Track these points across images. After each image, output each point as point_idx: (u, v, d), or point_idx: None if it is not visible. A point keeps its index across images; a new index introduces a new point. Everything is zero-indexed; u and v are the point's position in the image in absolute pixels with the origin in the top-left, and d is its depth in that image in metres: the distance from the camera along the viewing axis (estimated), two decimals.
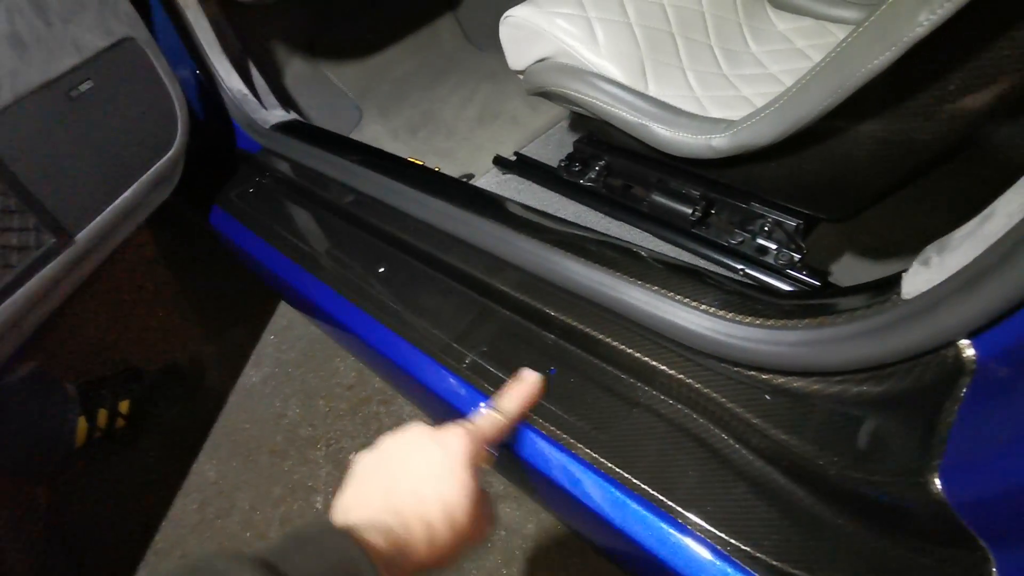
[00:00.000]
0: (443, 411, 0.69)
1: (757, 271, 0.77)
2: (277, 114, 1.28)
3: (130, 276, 1.53)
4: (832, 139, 0.61)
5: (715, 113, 0.81)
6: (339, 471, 1.11)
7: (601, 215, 0.93)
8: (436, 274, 0.80)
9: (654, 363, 0.55)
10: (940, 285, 0.37)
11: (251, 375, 1.35)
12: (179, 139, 1.02)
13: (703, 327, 0.51)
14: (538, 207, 0.98)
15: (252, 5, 1.33)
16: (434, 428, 0.47)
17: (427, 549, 0.41)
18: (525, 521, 1.01)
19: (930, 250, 0.41)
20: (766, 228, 0.77)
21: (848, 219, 0.69)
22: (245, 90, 1.26)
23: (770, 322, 0.48)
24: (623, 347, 0.57)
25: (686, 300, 0.53)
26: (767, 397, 0.47)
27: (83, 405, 1.16)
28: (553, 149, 1.16)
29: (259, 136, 1.24)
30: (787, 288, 0.75)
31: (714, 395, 0.50)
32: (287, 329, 1.44)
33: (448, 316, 0.73)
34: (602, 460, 0.51)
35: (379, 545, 0.38)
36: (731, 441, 0.47)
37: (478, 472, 0.45)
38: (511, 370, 0.64)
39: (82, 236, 0.77)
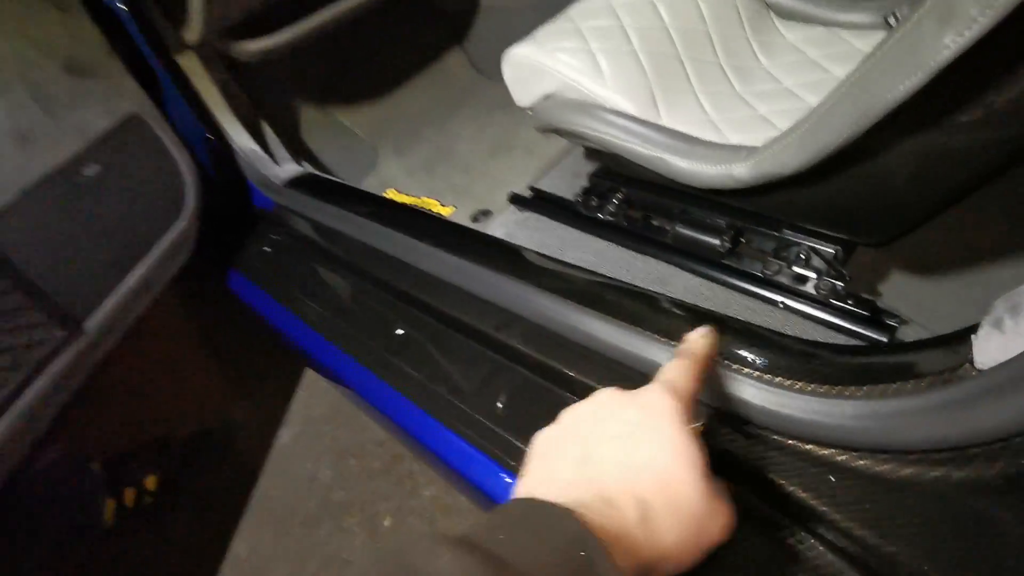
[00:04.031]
0: (465, 486, 0.67)
1: (798, 303, 0.73)
2: (290, 169, 1.30)
3: (154, 342, 1.57)
4: (865, 161, 0.57)
5: (733, 137, 0.78)
6: (375, 540, 1.09)
7: (625, 250, 0.90)
8: (455, 334, 0.79)
9: None
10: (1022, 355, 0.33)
11: (281, 435, 1.36)
12: (190, 207, 1.05)
13: (749, 395, 0.48)
14: (559, 245, 0.96)
15: (260, 63, 1.37)
16: (626, 390, 0.39)
17: (643, 534, 0.32)
18: None
19: (1000, 309, 0.36)
20: (802, 256, 0.73)
21: (891, 243, 0.65)
22: (256, 147, 1.30)
23: (823, 388, 0.44)
24: None
25: (727, 362, 0.50)
26: (832, 478, 0.43)
27: (109, 484, 1.19)
28: (569, 180, 1.14)
29: (272, 193, 1.26)
30: (830, 319, 0.71)
31: (771, 476, 0.45)
32: (315, 382, 1.45)
33: (470, 382, 0.71)
34: None
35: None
36: (798, 530, 0.42)
37: (695, 436, 0.36)
38: None
39: (92, 323, 0.79)
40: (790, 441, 0.46)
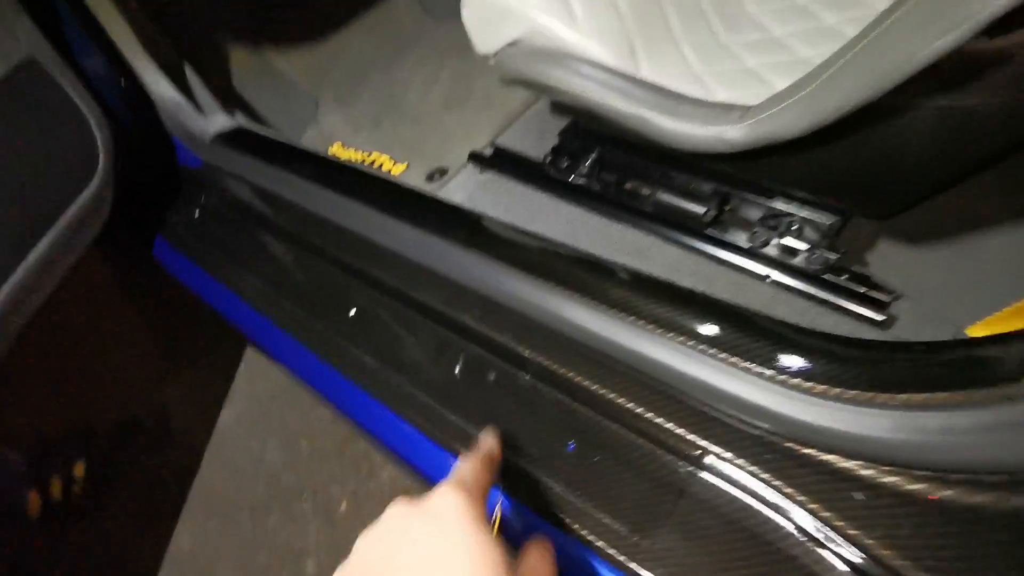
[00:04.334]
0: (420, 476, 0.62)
1: (787, 277, 0.69)
2: (219, 121, 1.17)
3: (75, 316, 1.42)
4: (877, 126, 0.52)
5: (720, 93, 0.72)
6: (330, 527, 1.03)
7: (599, 217, 0.83)
8: (412, 313, 0.71)
9: (700, 440, 0.46)
10: None
11: (223, 415, 1.27)
12: (102, 168, 0.92)
13: (761, 399, 0.42)
14: (526, 212, 0.89)
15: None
16: (413, 500, 0.38)
17: None
18: None
19: None
20: (794, 227, 0.68)
21: (893, 216, 0.60)
22: (179, 97, 1.15)
23: (852, 394, 0.39)
24: (657, 418, 0.48)
25: (735, 360, 0.44)
26: (858, 496, 0.38)
27: (33, 476, 1.08)
28: (535, 137, 1.06)
29: (200, 150, 1.13)
30: (821, 294, 0.67)
31: (788, 489, 0.41)
32: (258, 356, 1.35)
33: (425, 366, 0.65)
34: None
35: None
36: (819, 552, 0.38)
37: (490, 529, 0.36)
38: (511, 443, 0.56)
39: None
40: (806, 450, 0.41)
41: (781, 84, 0.71)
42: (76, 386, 1.30)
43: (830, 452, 0.40)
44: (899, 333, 0.64)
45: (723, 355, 0.45)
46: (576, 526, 0.46)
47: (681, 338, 0.48)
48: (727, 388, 0.45)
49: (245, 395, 1.29)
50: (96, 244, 0.94)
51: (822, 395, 0.41)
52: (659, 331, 0.49)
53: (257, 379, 1.31)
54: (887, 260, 0.72)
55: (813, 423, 0.40)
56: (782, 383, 0.42)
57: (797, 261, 0.69)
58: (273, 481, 1.12)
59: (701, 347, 0.47)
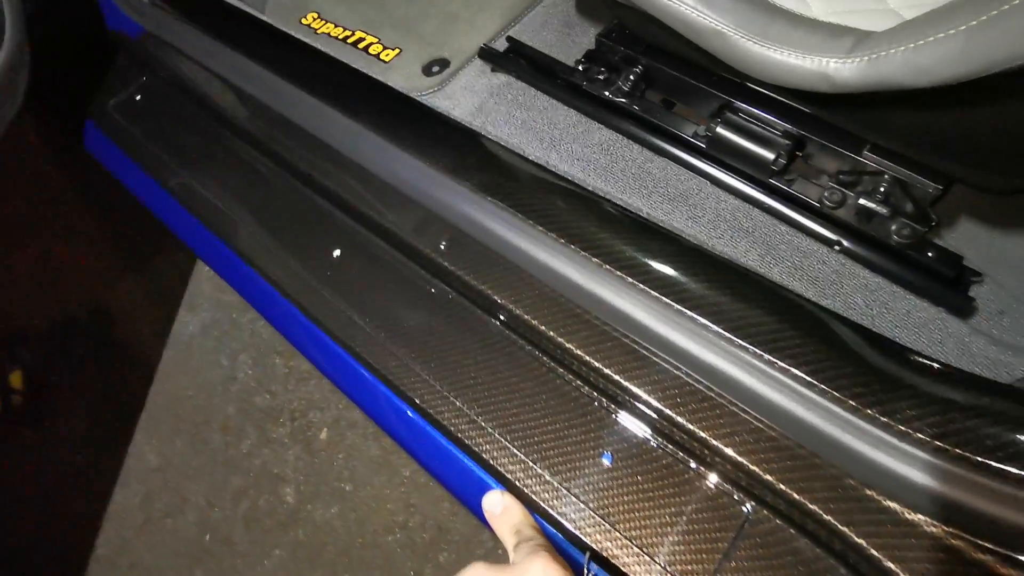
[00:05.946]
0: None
1: (861, 247, 0.58)
2: None
3: (10, 203, 1.22)
4: None
5: (816, 5, 0.57)
6: (309, 455, 0.97)
7: (639, 147, 0.69)
8: (395, 253, 0.61)
9: (766, 475, 0.38)
10: None
11: (186, 322, 1.15)
12: (9, 40, 0.72)
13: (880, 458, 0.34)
14: (550, 133, 0.74)
15: None
16: (498, 567, 0.37)
17: None
18: None
19: None
20: (881, 188, 0.56)
21: (1013, 194, 0.49)
22: None
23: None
24: (716, 440, 0.40)
25: (879, 417, 0.36)
26: None
27: None
28: (558, 29, 0.88)
29: (135, 12, 0.91)
30: (898, 271, 0.57)
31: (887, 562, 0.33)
32: None
33: (404, 316, 0.58)
34: None
35: None
36: None
37: None
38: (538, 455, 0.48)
39: None
40: (906, 511, 0.33)
41: None
42: (14, 284, 1.14)
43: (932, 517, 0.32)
44: (978, 324, 0.56)
45: (851, 406, 0.36)
46: None
47: (776, 363, 0.39)
48: (844, 441, 0.36)
49: (211, 301, 1.17)
50: (32, 122, 0.77)
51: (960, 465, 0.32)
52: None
53: (224, 285, 1.18)
54: (975, 236, 0.62)
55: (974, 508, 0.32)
56: (915, 443, 0.34)
57: (874, 229, 0.58)
58: (246, 402, 1.04)
59: (804, 381, 0.38)
